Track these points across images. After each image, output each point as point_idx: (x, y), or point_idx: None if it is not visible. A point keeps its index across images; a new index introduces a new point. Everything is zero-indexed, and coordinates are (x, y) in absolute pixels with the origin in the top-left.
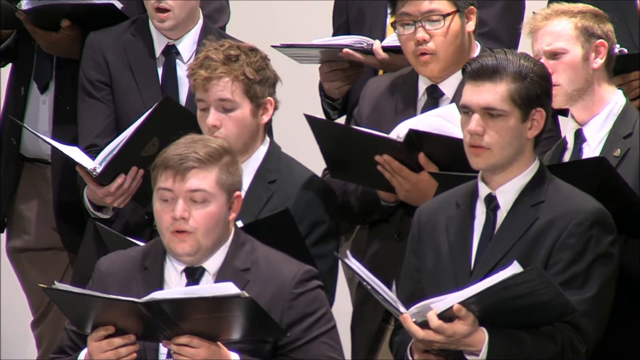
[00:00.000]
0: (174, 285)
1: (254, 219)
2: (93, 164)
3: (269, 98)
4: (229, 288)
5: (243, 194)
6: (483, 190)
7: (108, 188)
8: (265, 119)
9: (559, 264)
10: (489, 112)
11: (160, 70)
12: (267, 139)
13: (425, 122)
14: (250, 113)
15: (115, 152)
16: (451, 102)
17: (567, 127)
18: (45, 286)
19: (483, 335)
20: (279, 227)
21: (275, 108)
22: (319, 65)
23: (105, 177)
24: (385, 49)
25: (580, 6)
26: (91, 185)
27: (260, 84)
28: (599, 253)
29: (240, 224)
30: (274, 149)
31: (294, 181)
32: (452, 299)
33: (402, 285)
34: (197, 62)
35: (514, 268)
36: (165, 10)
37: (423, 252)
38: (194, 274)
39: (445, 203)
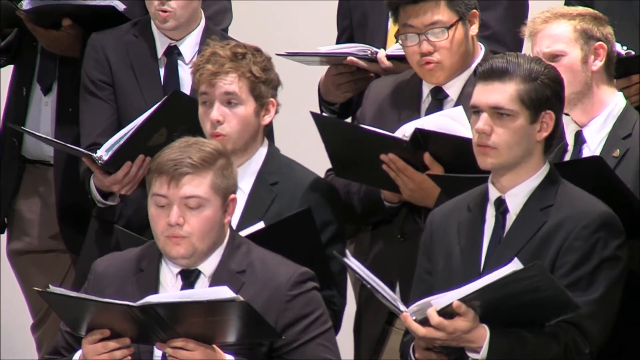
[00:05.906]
0: (170, 288)
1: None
2: (98, 153)
3: (271, 99)
4: (224, 292)
5: (245, 196)
6: (493, 193)
7: (115, 176)
8: (267, 120)
9: (565, 267)
10: (497, 112)
11: (162, 71)
12: (266, 141)
13: (432, 121)
14: (254, 112)
15: (123, 140)
16: (456, 103)
17: (567, 130)
18: (39, 289)
19: (484, 332)
20: (299, 227)
21: (276, 111)
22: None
23: (112, 164)
24: (390, 57)
25: (580, 9)
26: (98, 173)
27: (265, 84)
28: (605, 256)
29: (262, 224)
30: (273, 151)
31: (297, 183)
32: (452, 296)
33: (414, 289)
34: (203, 57)
35: (514, 265)
36: (167, 11)
37: (435, 255)
38: (189, 277)
39: (458, 207)
